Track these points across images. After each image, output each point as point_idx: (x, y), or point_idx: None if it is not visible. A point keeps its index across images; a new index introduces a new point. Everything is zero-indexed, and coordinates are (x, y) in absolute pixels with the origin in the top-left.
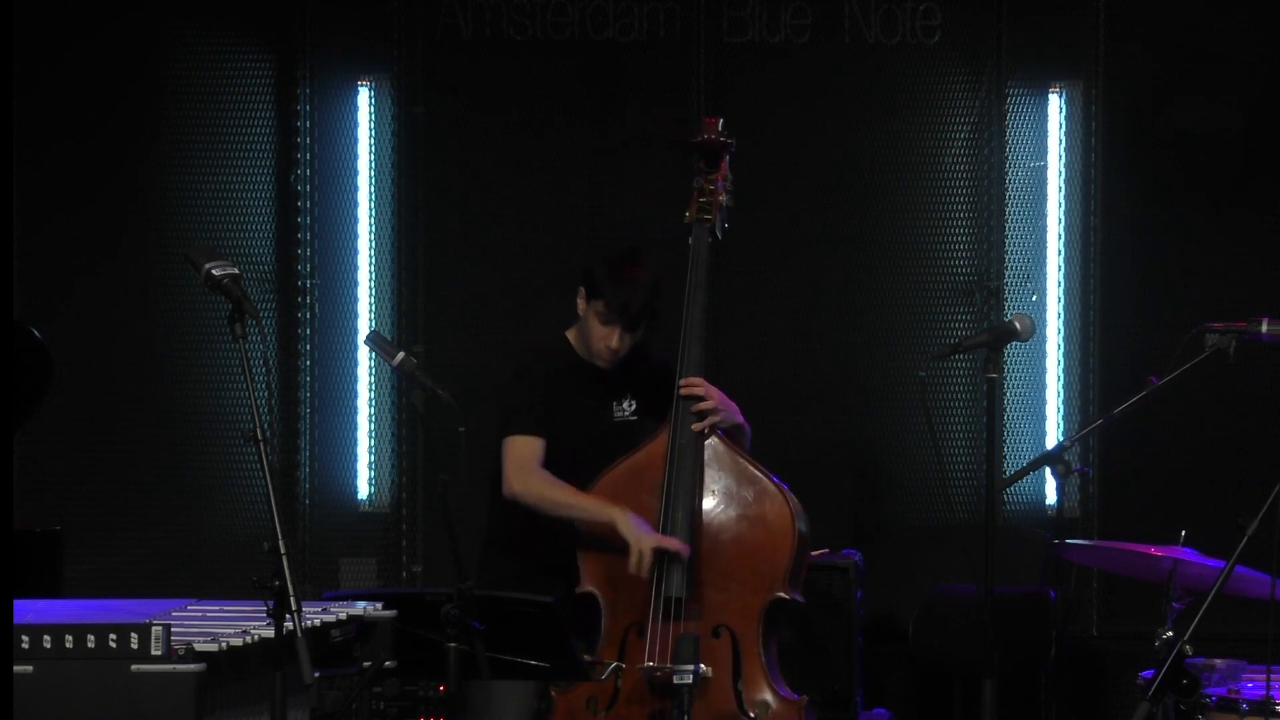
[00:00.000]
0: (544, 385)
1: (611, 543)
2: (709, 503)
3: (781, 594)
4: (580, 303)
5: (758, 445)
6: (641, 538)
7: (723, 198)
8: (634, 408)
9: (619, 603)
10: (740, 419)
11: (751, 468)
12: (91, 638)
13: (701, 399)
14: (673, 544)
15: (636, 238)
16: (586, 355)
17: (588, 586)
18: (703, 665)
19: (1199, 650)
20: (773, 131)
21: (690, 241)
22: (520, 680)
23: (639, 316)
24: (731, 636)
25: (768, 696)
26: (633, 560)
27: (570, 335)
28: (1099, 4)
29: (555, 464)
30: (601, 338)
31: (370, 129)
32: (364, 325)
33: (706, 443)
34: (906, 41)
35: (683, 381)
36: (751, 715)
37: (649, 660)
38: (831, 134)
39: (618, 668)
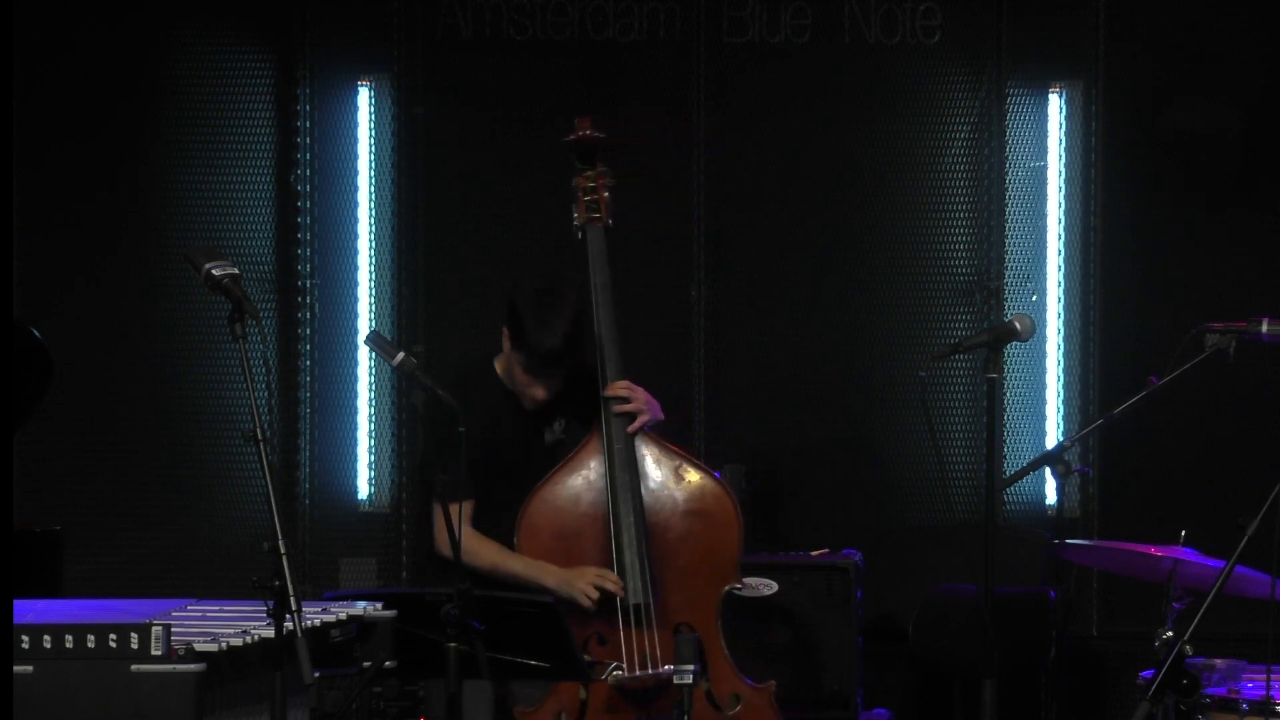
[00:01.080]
0: (471, 430)
1: (555, 557)
2: (653, 503)
3: (735, 585)
4: (505, 342)
5: (758, 445)
6: (574, 583)
7: (607, 193)
8: (563, 427)
9: (577, 612)
10: (662, 415)
11: (686, 463)
12: (91, 638)
13: (627, 401)
14: (611, 578)
15: (636, 236)
16: (514, 388)
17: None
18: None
19: (1199, 650)
20: (773, 131)
21: (586, 242)
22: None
23: (561, 364)
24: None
25: (738, 688)
26: (583, 605)
27: (498, 364)
28: (1099, 4)
29: (492, 497)
30: (526, 386)
31: (370, 129)
32: (364, 325)
33: (638, 442)
34: (906, 41)
35: (609, 386)
36: (726, 710)
37: (624, 669)
38: (831, 134)
39: (618, 667)
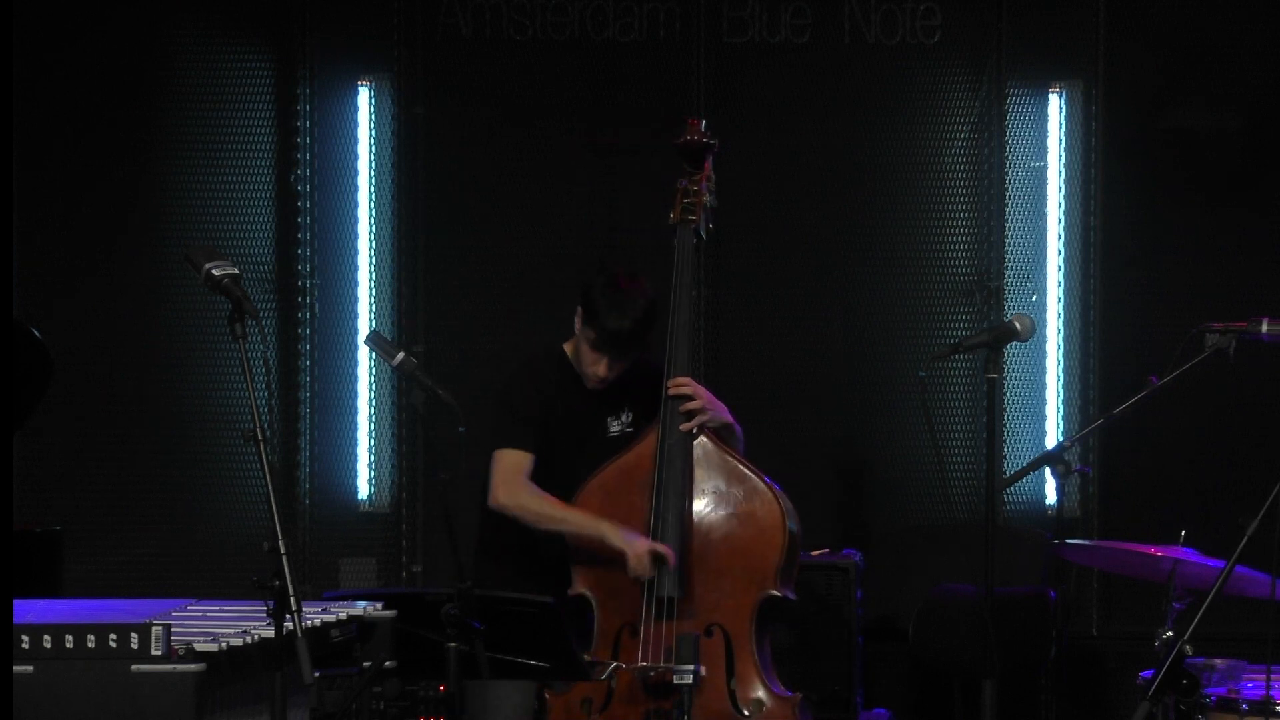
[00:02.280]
0: (539, 399)
1: (602, 545)
2: (699, 502)
3: (773, 591)
4: (577, 321)
5: (758, 445)
6: (634, 543)
7: (706, 198)
8: (630, 420)
9: (611, 604)
10: (729, 418)
11: (741, 466)
12: (91, 638)
13: (689, 398)
14: (664, 548)
15: (636, 236)
16: (579, 366)
17: (580, 589)
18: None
19: (1199, 650)
20: (773, 131)
21: (675, 243)
22: (518, 681)
23: (629, 348)
24: (724, 635)
25: (761, 694)
26: (632, 565)
27: (568, 348)
28: (1099, 4)
29: (549, 478)
30: (590, 363)
31: (370, 129)
32: (364, 325)
33: (695, 442)
34: (906, 41)
35: (670, 381)
36: (745, 713)
37: (643, 660)
38: (831, 134)
39: (617, 667)
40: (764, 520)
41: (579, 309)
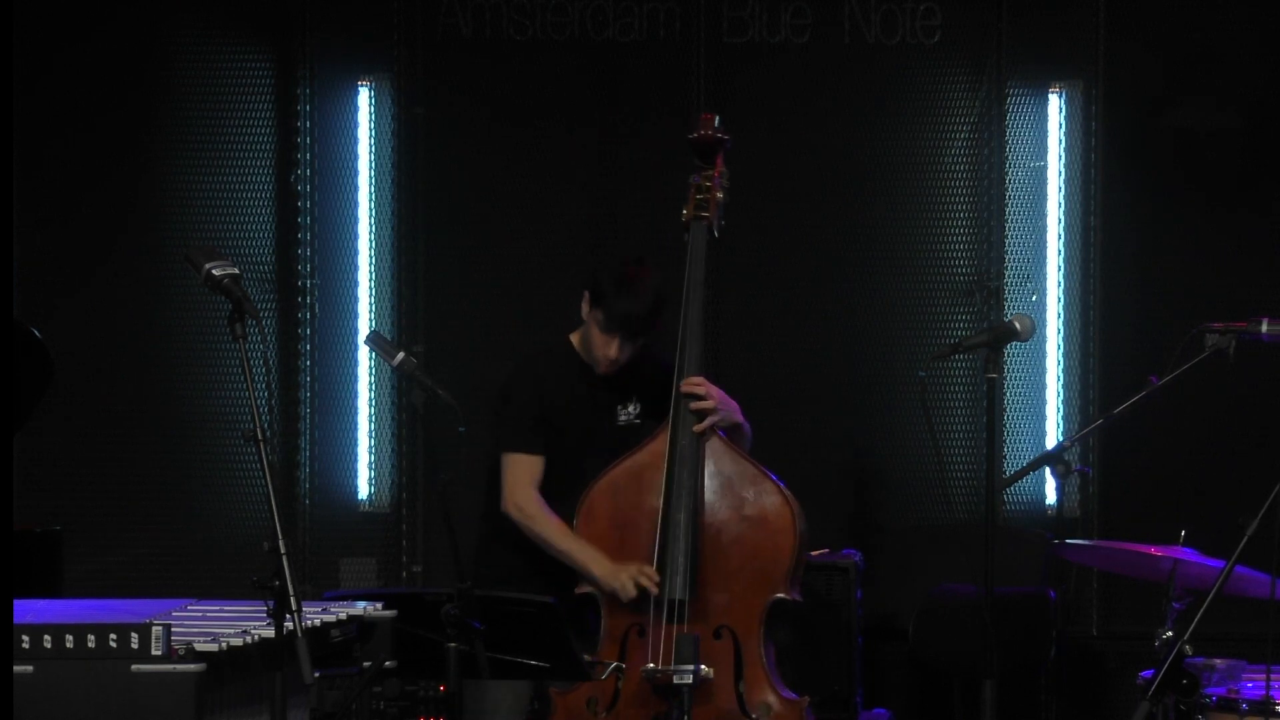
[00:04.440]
0: (543, 393)
1: (608, 544)
2: (710, 503)
3: (782, 594)
4: (584, 307)
5: (758, 444)
6: (617, 573)
7: (719, 194)
8: (638, 411)
9: (617, 604)
10: (740, 418)
11: (752, 468)
12: (91, 638)
13: (702, 398)
14: (647, 580)
15: (636, 236)
16: (589, 359)
17: (586, 586)
18: (704, 666)
19: (1199, 650)
20: (773, 131)
21: (688, 239)
22: (510, 681)
23: (639, 328)
24: (733, 637)
25: (770, 698)
26: (624, 596)
27: (574, 338)
28: (1099, 4)
29: (557, 469)
30: (601, 346)
31: (370, 129)
32: (364, 325)
33: (707, 443)
34: (906, 41)
35: (684, 380)
36: (754, 716)
37: (651, 662)
38: (831, 134)
39: (618, 667)
40: (775, 523)
41: (585, 294)
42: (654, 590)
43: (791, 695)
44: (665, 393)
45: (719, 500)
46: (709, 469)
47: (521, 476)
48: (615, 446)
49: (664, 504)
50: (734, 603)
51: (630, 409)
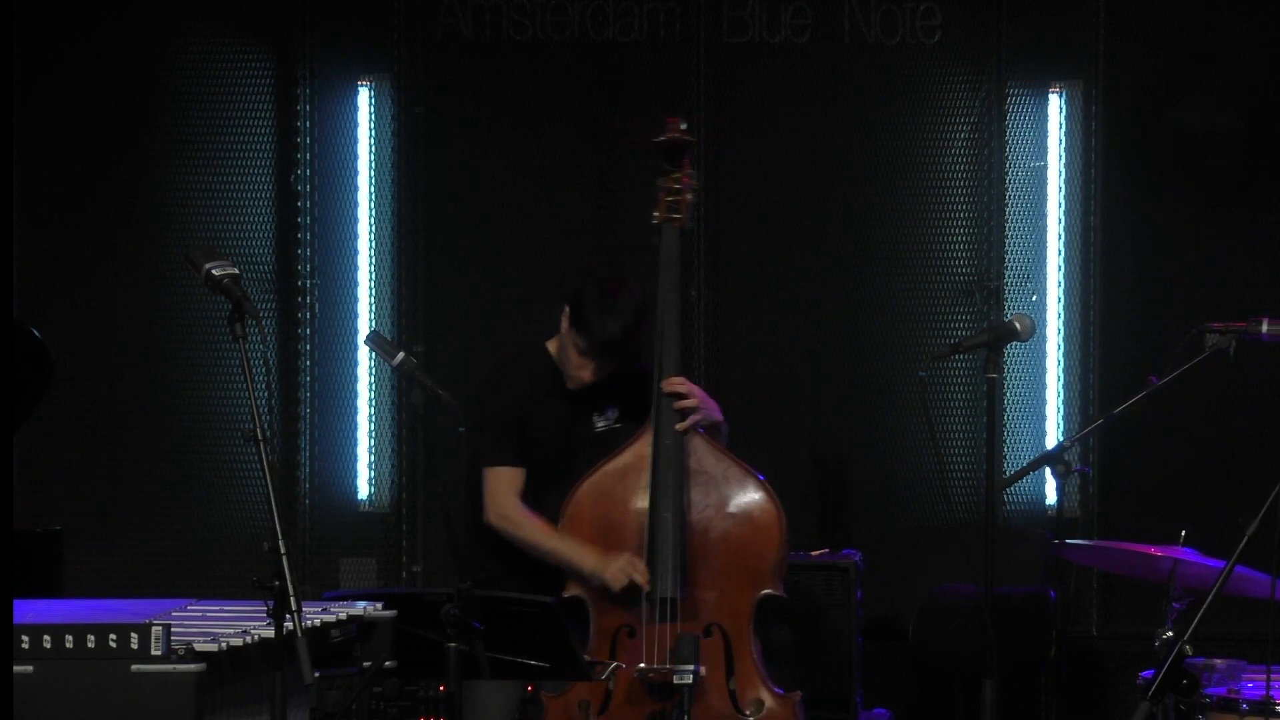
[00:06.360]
0: (514, 401)
1: (595, 545)
2: (696, 502)
3: (770, 590)
4: (564, 323)
5: (758, 444)
6: (607, 565)
7: (689, 196)
8: (616, 416)
9: (606, 605)
10: (719, 416)
11: (735, 465)
12: (91, 638)
13: (684, 396)
14: (639, 575)
15: (636, 236)
16: (563, 366)
17: (573, 590)
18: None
19: (1199, 650)
20: (773, 131)
21: (659, 242)
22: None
23: (617, 354)
24: (723, 635)
25: (762, 694)
26: (613, 587)
27: (551, 345)
28: (1099, 4)
29: (538, 477)
30: (576, 367)
31: (370, 129)
32: (364, 325)
33: (689, 441)
34: (906, 41)
35: (665, 380)
36: (747, 713)
37: (644, 662)
38: (831, 134)
39: (618, 667)
40: (760, 519)
41: (566, 310)
42: (644, 584)
43: (782, 691)
44: (644, 395)
45: (704, 498)
46: (693, 467)
47: (503, 488)
48: (594, 452)
49: (650, 504)
50: (723, 600)
51: (608, 414)
